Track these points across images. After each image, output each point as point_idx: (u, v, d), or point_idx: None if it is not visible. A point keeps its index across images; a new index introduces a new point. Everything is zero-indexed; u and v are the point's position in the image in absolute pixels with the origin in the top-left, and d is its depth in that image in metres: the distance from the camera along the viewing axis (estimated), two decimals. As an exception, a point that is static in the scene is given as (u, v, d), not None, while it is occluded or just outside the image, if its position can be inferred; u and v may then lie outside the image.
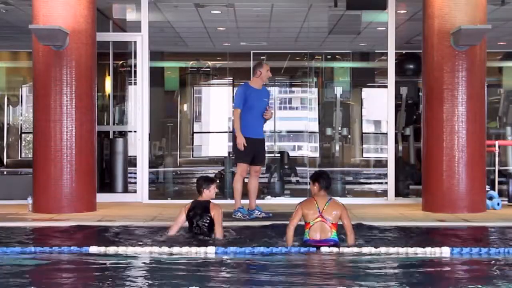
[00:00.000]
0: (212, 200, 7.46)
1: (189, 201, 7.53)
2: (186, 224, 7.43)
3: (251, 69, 9.54)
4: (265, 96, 9.40)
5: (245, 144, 9.12)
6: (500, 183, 10.93)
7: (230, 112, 16.06)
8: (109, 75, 13.02)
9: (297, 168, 13.93)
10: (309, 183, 7.05)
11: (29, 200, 9.76)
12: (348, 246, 6.74)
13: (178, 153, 17.40)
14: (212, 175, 13.81)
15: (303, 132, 16.31)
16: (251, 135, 9.25)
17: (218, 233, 7.28)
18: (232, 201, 9.39)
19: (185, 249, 6.63)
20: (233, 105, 9.39)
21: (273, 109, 15.75)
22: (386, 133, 11.45)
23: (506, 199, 10.66)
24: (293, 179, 13.35)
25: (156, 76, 15.99)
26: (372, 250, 6.60)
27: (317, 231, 6.70)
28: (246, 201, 9.35)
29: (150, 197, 11.24)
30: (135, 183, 11.39)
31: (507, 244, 7.19)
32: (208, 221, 7.27)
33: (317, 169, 14.94)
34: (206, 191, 7.43)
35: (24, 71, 16.37)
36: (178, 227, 7.40)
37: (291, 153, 15.99)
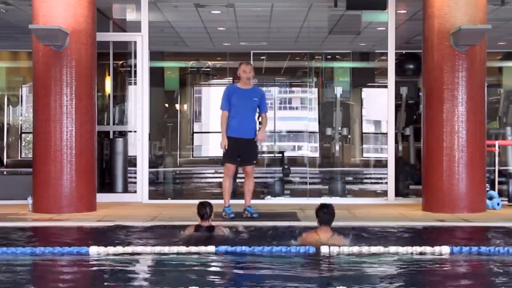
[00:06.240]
0: (214, 224, 7.56)
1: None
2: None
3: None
4: (254, 96, 9.29)
5: (227, 146, 9.22)
6: (500, 183, 10.92)
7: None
8: (109, 75, 13.02)
9: (297, 168, 13.93)
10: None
11: (29, 200, 9.76)
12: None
13: (178, 153, 17.40)
14: (212, 175, 13.77)
15: (303, 132, 16.29)
16: (234, 135, 9.27)
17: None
18: (232, 201, 9.39)
19: (185, 249, 6.63)
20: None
21: (273, 109, 15.69)
22: (386, 133, 11.44)
23: (506, 199, 10.65)
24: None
25: (156, 76, 15.98)
26: (372, 249, 6.59)
27: None
28: (242, 201, 9.42)
29: (150, 197, 11.24)
30: (135, 183, 11.39)
31: (507, 243, 7.19)
32: None
33: (317, 169, 14.96)
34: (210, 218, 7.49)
35: (24, 71, 16.37)
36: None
37: (292, 153, 15.98)
